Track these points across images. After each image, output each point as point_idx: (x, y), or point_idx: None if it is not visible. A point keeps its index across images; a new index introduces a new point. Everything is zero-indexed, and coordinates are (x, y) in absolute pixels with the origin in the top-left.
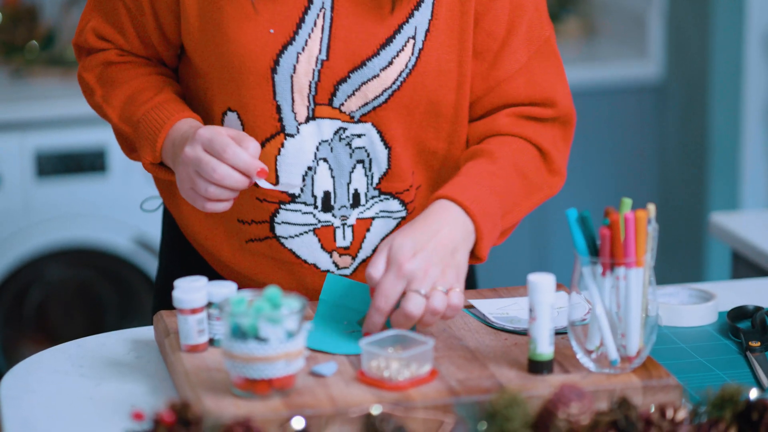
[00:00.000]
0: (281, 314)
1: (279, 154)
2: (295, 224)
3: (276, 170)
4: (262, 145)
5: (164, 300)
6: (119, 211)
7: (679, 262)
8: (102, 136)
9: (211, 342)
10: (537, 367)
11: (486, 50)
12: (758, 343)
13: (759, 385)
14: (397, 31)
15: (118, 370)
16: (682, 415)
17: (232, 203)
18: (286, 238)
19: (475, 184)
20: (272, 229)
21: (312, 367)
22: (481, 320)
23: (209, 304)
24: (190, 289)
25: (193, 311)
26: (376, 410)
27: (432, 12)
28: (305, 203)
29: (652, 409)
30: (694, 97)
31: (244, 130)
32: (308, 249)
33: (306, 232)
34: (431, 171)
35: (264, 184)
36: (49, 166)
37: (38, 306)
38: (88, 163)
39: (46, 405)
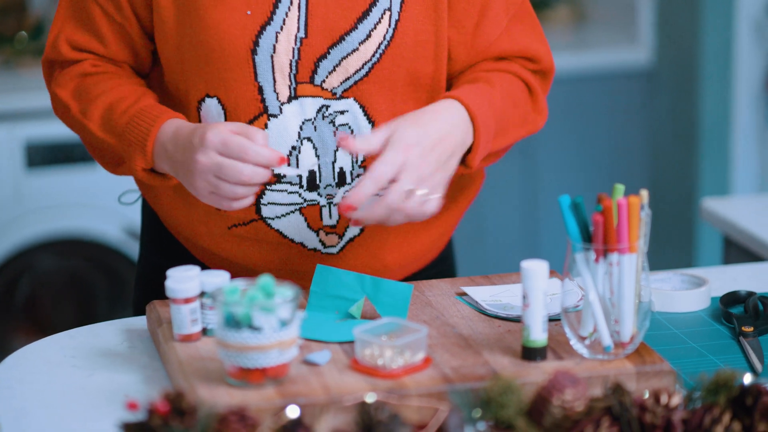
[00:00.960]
0: (275, 303)
1: None
2: (281, 204)
3: None
4: None
5: (145, 290)
6: (109, 201)
7: (671, 247)
8: None
9: (204, 331)
10: (530, 353)
11: (466, 18)
12: (751, 328)
13: (752, 370)
14: (373, 3)
15: (110, 360)
16: (676, 400)
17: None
18: (273, 218)
19: (479, 96)
20: (258, 210)
21: (305, 356)
22: (474, 307)
23: (202, 294)
24: (183, 279)
25: (186, 301)
26: (370, 398)
27: None
28: (291, 183)
29: (646, 395)
30: (685, 82)
31: (225, 114)
32: (295, 228)
33: (292, 212)
34: None
35: (285, 170)
36: (39, 157)
37: (29, 296)
38: (78, 153)
39: (39, 395)
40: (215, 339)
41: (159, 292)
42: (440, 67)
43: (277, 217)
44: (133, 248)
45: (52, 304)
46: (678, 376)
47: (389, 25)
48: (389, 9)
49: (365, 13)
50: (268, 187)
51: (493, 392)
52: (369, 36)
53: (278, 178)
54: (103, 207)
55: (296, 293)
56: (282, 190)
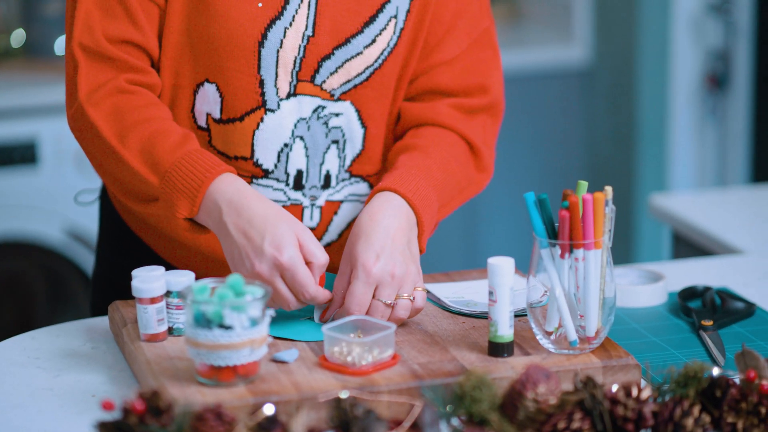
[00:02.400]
0: (245, 301)
1: (257, 128)
2: None
3: (252, 145)
4: (241, 118)
5: (105, 292)
6: (51, 203)
7: (612, 244)
8: (32, 128)
9: (170, 331)
10: (498, 349)
11: (431, 35)
12: (710, 322)
13: (714, 363)
14: (380, 9)
15: (75, 361)
16: (646, 393)
17: None
18: None
19: (414, 177)
20: None
21: (273, 354)
22: (437, 304)
23: (168, 293)
24: (149, 279)
25: (153, 300)
26: (344, 395)
27: None
28: (277, 180)
29: (615, 388)
30: (623, 80)
31: (223, 102)
32: None
33: None
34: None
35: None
36: None
37: None
38: (19, 155)
39: (6, 397)
40: (185, 338)
41: (119, 293)
42: (405, 75)
43: None
44: (75, 251)
45: None
46: (642, 370)
47: (394, 33)
48: (395, 17)
49: (372, 18)
50: (255, 181)
51: (467, 387)
52: (374, 41)
53: (265, 173)
54: (44, 209)
55: (266, 291)
56: (268, 186)
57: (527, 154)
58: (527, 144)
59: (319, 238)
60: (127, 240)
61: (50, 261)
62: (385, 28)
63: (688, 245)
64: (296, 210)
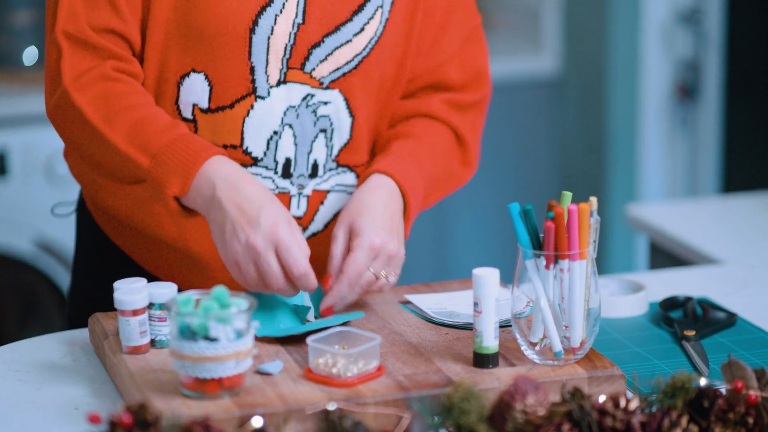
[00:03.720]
0: (231, 313)
1: (247, 116)
2: None
3: (242, 133)
4: (231, 106)
5: (82, 304)
6: (20, 214)
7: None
8: (1, 139)
9: (153, 343)
10: (483, 360)
11: (425, 31)
12: (693, 332)
13: (698, 373)
14: None
15: (56, 374)
16: (634, 404)
17: None
18: None
19: (406, 163)
20: None
21: (258, 366)
22: (420, 315)
23: (150, 305)
24: (131, 291)
25: (135, 312)
26: (331, 407)
27: None
28: (266, 167)
29: (601, 399)
30: (592, 90)
31: (212, 91)
32: None
33: None
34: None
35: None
36: None
37: None
38: None
39: None
40: (169, 350)
41: (97, 305)
42: (403, 73)
43: None
44: (45, 262)
45: None
46: (628, 381)
47: (380, 22)
48: (381, 7)
49: (360, 7)
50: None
51: (455, 399)
52: (363, 30)
53: (255, 161)
54: (14, 220)
55: (251, 303)
56: (257, 174)
57: (497, 165)
58: (497, 154)
59: (305, 228)
60: (105, 251)
61: (20, 273)
62: (372, 17)
63: (665, 255)
64: (284, 198)
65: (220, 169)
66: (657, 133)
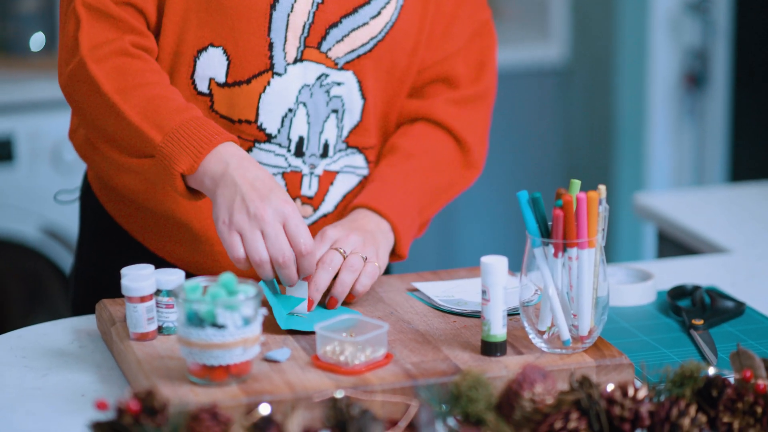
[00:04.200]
0: (238, 300)
1: (264, 92)
2: (266, 164)
3: (258, 108)
4: (248, 81)
5: (86, 289)
6: (27, 201)
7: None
8: (7, 125)
9: (160, 329)
10: (491, 348)
11: (436, 22)
12: (701, 321)
13: (706, 362)
14: None
15: (63, 360)
16: (643, 393)
17: None
18: None
19: (389, 187)
20: None
21: (265, 354)
22: (427, 303)
23: (158, 292)
24: (139, 277)
25: (143, 299)
26: (339, 394)
27: None
28: (280, 145)
29: (609, 388)
30: (600, 79)
31: (230, 65)
32: None
33: (275, 174)
34: (387, 136)
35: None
36: None
37: None
38: None
39: None
40: (177, 337)
41: (101, 290)
42: (413, 63)
43: None
44: (52, 248)
45: None
46: (636, 370)
47: (395, 8)
48: None
49: None
50: (257, 145)
51: (463, 387)
52: (379, 13)
53: (269, 138)
54: (20, 207)
55: (258, 290)
56: (270, 151)
57: (504, 154)
58: (504, 143)
59: (316, 208)
60: (110, 236)
61: (26, 259)
62: (389, 2)
63: (672, 244)
64: (296, 177)
65: (234, 150)
66: (664, 122)
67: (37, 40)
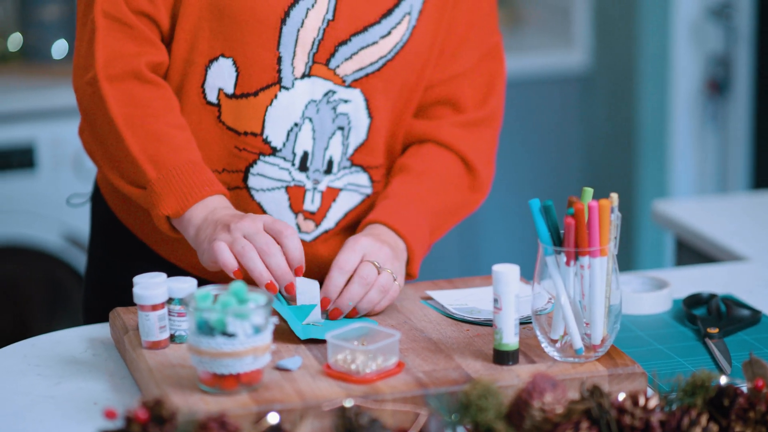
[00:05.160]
0: (249, 309)
1: (270, 105)
2: (269, 178)
3: (264, 121)
4: (255, 93)
5: (96, 292)
6: (48, 208)
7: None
8: (30, 132)
9: (172, 338)
10: (503, 357)
11: (446, 43)
12: (716, 330)
13: (720, 371)
14: (397, 4)
15: (76, 369)
16: (654, 402)
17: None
18: (258, 190)
19: (404, 207)
20: (245, 179)
21: (277, 362)
22: (441, 311)
23: (170, 300)
24: (151, 285)
25: (154, 307)
26: (348, 403)
27: None
28: (284, 158)
29: (621, 397)
30: (622, 86)
31: (238, 77)
32: (276, 205)
33: (278, 188)
34: (394, 155)
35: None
36: None
37: None
38: (16, 159)
39: (7, 405)
40: (187, 345)
41: (111, 293)
42: (420, 82)
43: (263, 189)
44: (73, 255)
45: None
46: (649, 378)
47: (407, 29)
48: (409, 14)
49: (390, 11)
50: (262, 158)
51: (473, 396)
52: (389, 33)
53: (273, 151)
54: (42, 214)
55: (269, 299)
56: (274, 164)
57: (527, 160)
58: (527, 150)
59: (318, 223)
60: (118, 238)
61: (48, 266)
62: (400, 23)
63: (691, 252)
64: (299, 192)
65: (219, 203)
66: (687, 129)
67: (59, 48)
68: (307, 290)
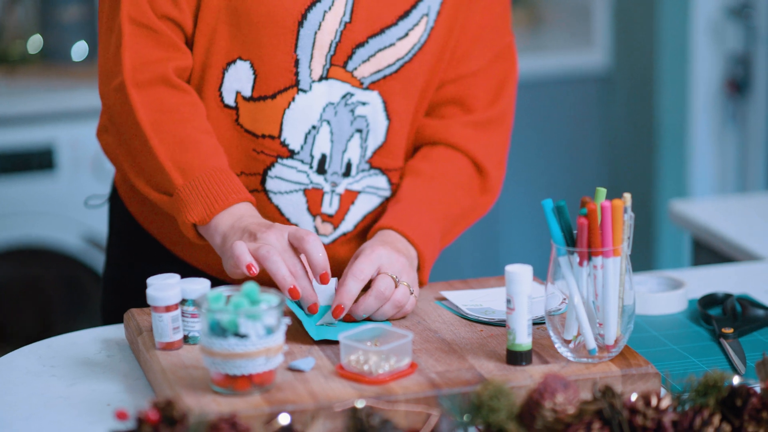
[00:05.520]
0: (261, 310)
1: (288, 107)
2: (287, 180)
3: (281, 124)
4: (273, 96)
5: (114, 293)
6: (68, 209)
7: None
8: (49, 134)
9: (186, 339)
10: (516, 357)
11: (459, 43)
12: (731, 330)
13: (735, 371)
14: (414, 6)
15: (90, 370)
16: (666, 402)
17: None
18: (276, 193)
19: (415, 212)
20: (263, 182)
21: (290, 363)
22: (455, 312)
23: (183, 301)
24: (164, 287)
25: (168, 309)
26: (360, 404)
27: None
28: (302, 161)
29: (633, 397)
30: (642, 86)
31: (256, 80)
32: (294, 208)
33: (296, 191)
34: (408, 156)
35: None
36: None
37: None
38: (36, 161)
39: (21, 406)
40: (200, 346)
41: (128, 294)
42: (433, 82)
43: (280, 192)
44: (93, 256)
45: (10, 314)
46: (663, 379)
47: (424, 30)
48: (426, 15)
49: (407, 13)
50: (279, 161)
51: (484, 396)
52: (407, 35)
53: (291, 153)
54: (62, 215)
55: (281, 300)
56: (292, 167)
57: (546, 160)
58: (546, 150)
59: (336, 226)
60: (136, 238)
61: (68, 267)
62: (417, 24)
63: (708, 252)
64: (317, 195)
65: (245, 210)
66: (707, 129)
67: (79, 50)
68: (325, 289)
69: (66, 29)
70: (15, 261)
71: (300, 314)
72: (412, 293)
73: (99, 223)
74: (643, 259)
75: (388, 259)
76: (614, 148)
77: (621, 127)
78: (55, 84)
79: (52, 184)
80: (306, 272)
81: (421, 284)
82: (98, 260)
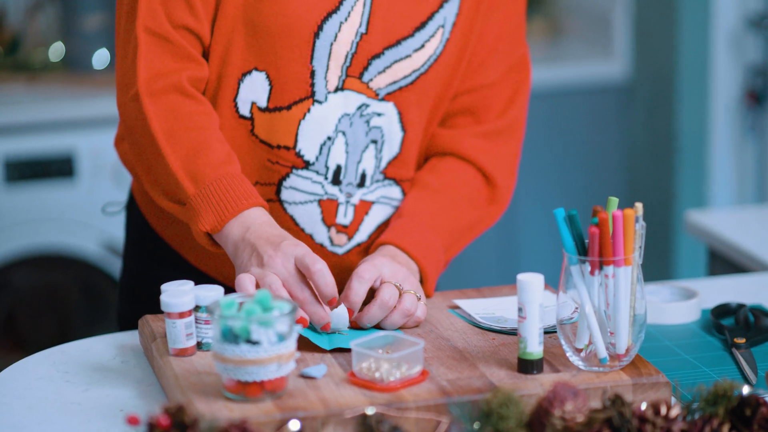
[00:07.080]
0: (273, 317)
1: (303, 118)
2: (302, 191)
3: (297, 135)
4: (289, 107)
5: (130, 300)
6: (87, 216)
7: (649, 260)
8: (69, 141)
9: (199, 345)
10: (527, 366)
11: (475, 54)
12: (743, 340)
13: (746, 381)
14: (430, 17)
15: (104, 375)
16: (675, 411)
17: None
18: (290, 203)
19: (417, 226)
20: (278, 192)
21: (302, 370)
22: (468, 320)
23: (197, 308)
24: (178, 293)
25: (181, 315)
26: (370, 411)
27: (459, 6)
28: (317, 172)
29: (643, 406)
30: (661, 96)
31: (272, 90)
32: (309, 218)
33: (311, 201)
34: (420, 165)
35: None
36: (17, 172)
37: (7, 313)
38: (56, 168)
39: (35, 411)
40: (212, 353)
41: (145, 301)
42: (448, 93)
43: (295, 203)
44: (112, 263)
45: (29, 321)
46: (673, 388)
47: (440, 42)
48: (443, 26)
49: (423, 24)
50: (294, 171)
51: (494, 404)
52: (423, 46)
53: (306, 164)
54: (81, 222)
55: (293, 306)
56: (307, 178)
57: (566, 170)
58: (566, 160)
59: (351, 237)
60: (152, 246)
61: (87, 274)
62: (433, 35)
63: (723, 262)
64: (332, 205)
65: (257, 216)
66: (726, 139)
67: (100, 58)
68: (336, 315)
69: (88, 37)
70: (34, 267)
71: (308, 334)
72: (419, 299)
73: (118, 230)
74: (660, 268)
75: (390, 269)
76: (633, 158)
77: (640, 138)
78: (76, 92)
79: (72, 192)
80: (315, 297)
81: (426, 297)
82: (117, 267)
